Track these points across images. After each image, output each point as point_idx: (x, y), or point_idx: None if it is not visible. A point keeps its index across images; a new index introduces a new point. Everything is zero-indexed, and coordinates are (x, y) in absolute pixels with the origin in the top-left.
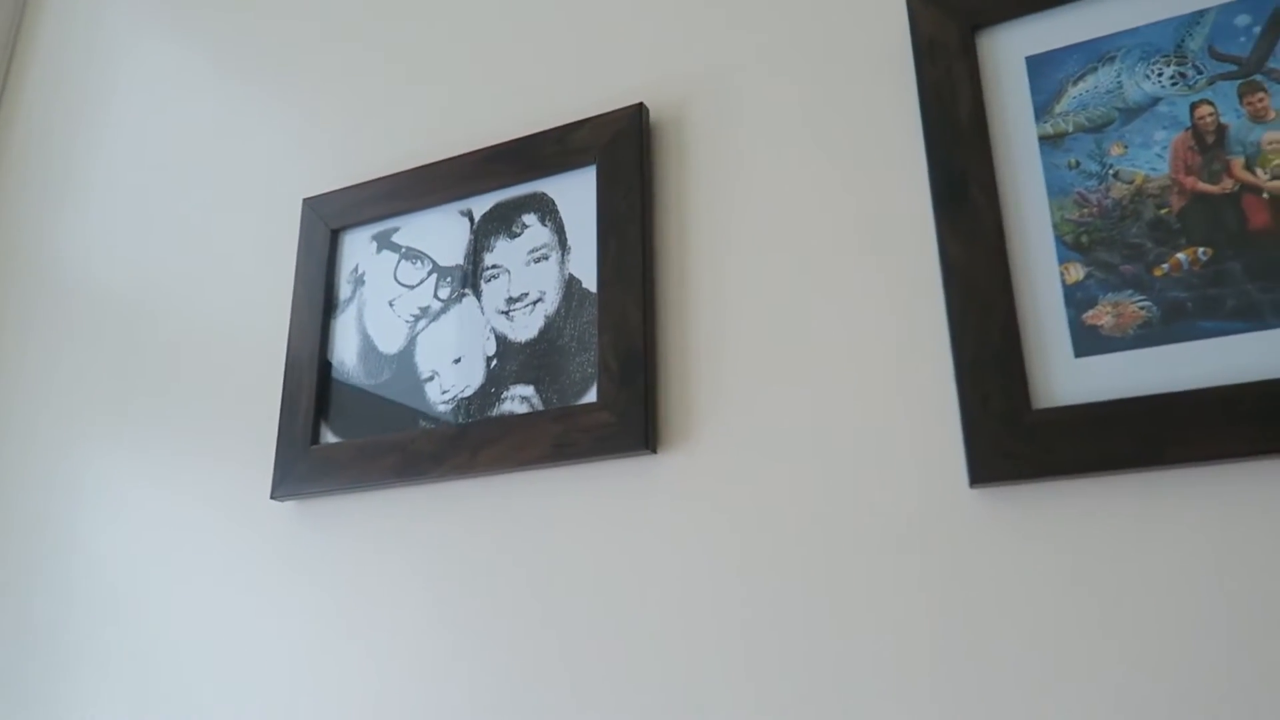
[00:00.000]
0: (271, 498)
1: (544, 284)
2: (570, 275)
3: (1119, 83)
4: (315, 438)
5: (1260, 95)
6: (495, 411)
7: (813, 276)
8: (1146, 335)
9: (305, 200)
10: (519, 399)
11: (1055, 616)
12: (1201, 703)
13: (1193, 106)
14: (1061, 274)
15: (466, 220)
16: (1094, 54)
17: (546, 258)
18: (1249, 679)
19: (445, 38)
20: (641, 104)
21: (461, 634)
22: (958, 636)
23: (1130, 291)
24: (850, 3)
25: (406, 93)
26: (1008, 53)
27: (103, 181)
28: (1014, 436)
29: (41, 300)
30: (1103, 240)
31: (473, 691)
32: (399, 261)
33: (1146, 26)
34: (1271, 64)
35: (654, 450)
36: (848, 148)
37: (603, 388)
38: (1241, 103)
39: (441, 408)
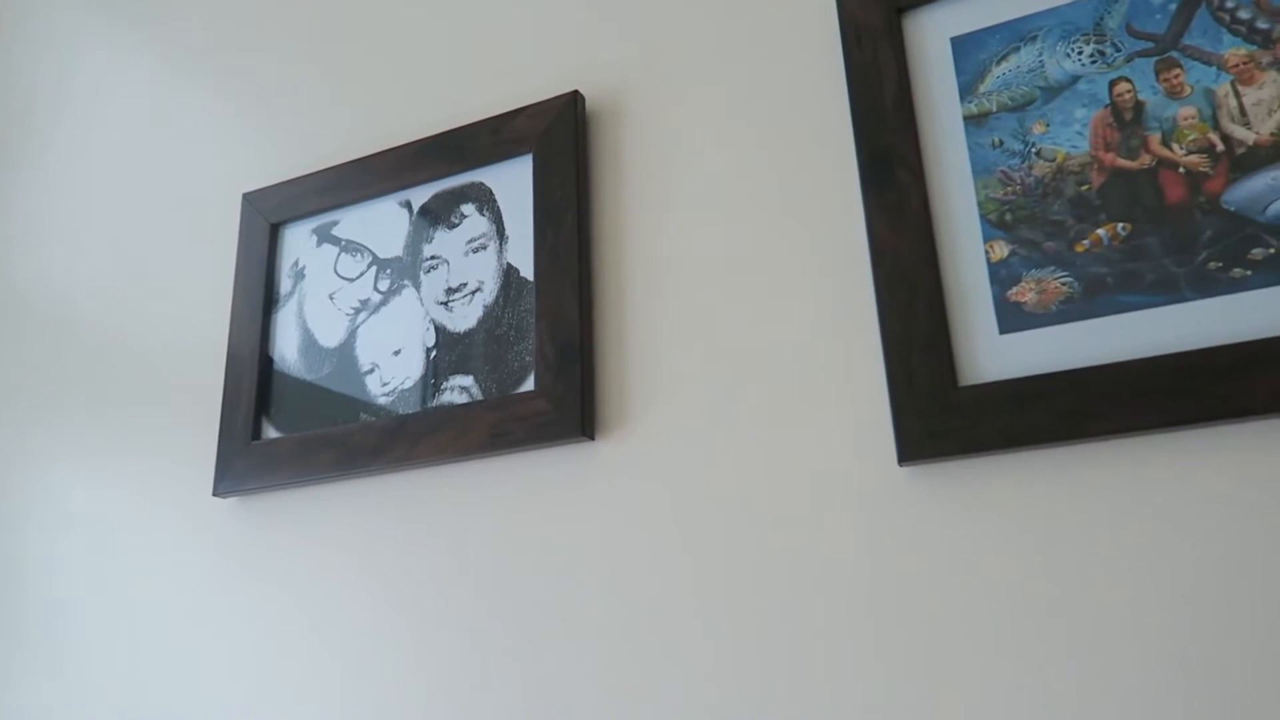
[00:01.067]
0: (213, 494)
1: (482, 274)
2: (508, 264)
3: (1040, 62)
4: (256, 433)
5: (1176, 72)
6: (435, 402)
7: (745, 262)
8: (1069, 311)
9: (244, 195)
10: (458, 389)
11: (984, 589)
12: (1126, 669)
13: (1111, 84)
14: (986, 252)
15: (406, 211)
16: (1016, 34)
17: (485, 247)
18: (1169, 643)
19: (381, 29)
20: (576, 92)
21: (406, 625)
22: (892, 612)
23: (1053, 268)
24: None
25: (345, 85)
26: (933, 34)
27: (40, 181)
28: (940, 414)
29: None
30: (1026, 218)
31: (419, 681)
32: (339, 254)
33: (1066, 6)
34: (1186, 40)
35: (591, 437)
36: (778, 133)
37: (540, 376)
38: (1158, 79)
39: (382, 400)
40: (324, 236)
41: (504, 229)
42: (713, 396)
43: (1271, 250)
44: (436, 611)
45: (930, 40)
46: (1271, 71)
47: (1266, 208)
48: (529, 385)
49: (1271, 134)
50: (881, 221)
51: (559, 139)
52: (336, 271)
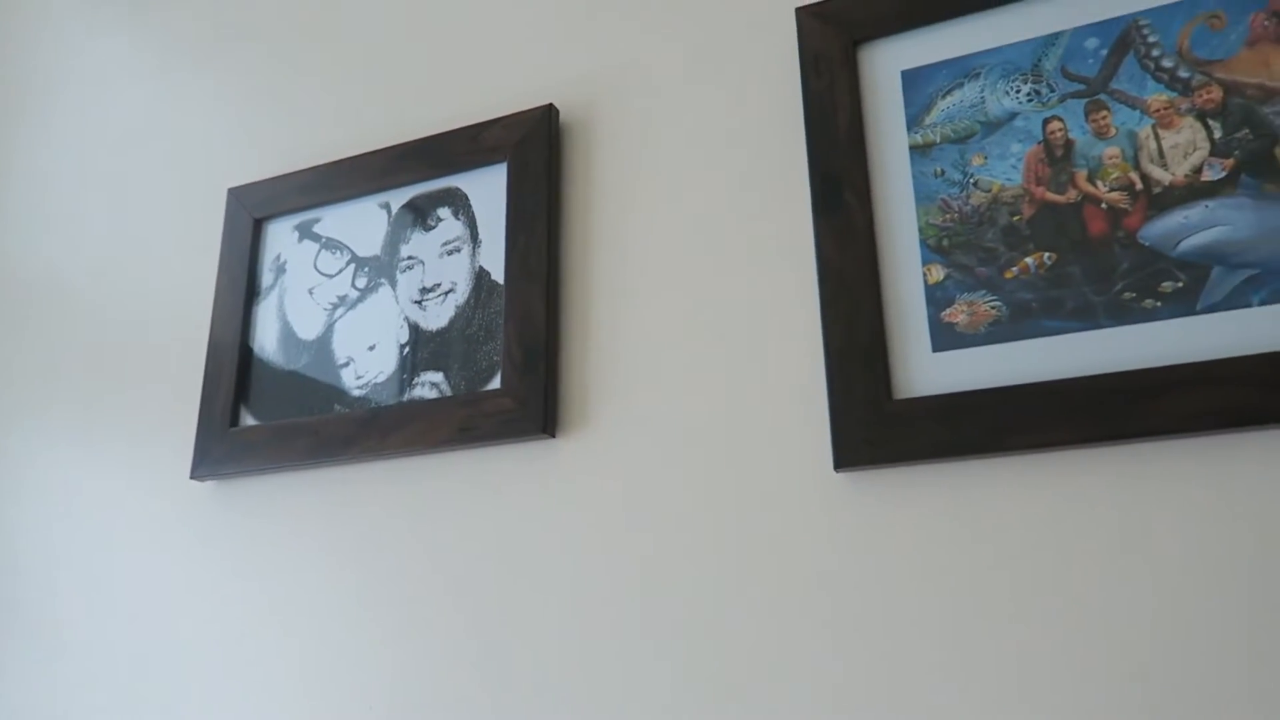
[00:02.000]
0: (191, 478)
1: (455, 275)
2: (480, 267)
3: (982, 98)
4: (234, 420)
5: (1104, 113)
6: (406, 397)
7: (703, 274)
8: (996, 332)
9: (230, 190)
10: (429, 385)
11: (912, 590)
12: (1043, 673)
13: (1045, 122)
14: (924, 274)
15: (385, 212)
16: (962, 70)
17: (459, 250)
18: (1083, 648)
19: (369, 35)
20: (551, 105)
21: (372, 611)
22: (823, 607)
23: (984, 292)
24: (747, 15)
25: (331, 87)
26: (885, 67)
27: (29, 171)
28: (875, 424)
29: None
30: (962, 244)
31: (382, 666)
32: (319, 251)
33: (1008, 46)
34: (1115, 85)
35: (553, 435)
36: (738, 152)
37: (506, 375)
38: (1087, 119)
39: (356, 392)
40: (305, 233)
41: (478, 233)
42: (667, 399)
43: (1180, 284)
44: (400, 599)
45: (882, 72)
46: (1189, 118)
47: (1177, 244)
48: (496, 384)
49: (1185, 176)
50: (829, 241)
51: (533, 149)
52: (316, 267)
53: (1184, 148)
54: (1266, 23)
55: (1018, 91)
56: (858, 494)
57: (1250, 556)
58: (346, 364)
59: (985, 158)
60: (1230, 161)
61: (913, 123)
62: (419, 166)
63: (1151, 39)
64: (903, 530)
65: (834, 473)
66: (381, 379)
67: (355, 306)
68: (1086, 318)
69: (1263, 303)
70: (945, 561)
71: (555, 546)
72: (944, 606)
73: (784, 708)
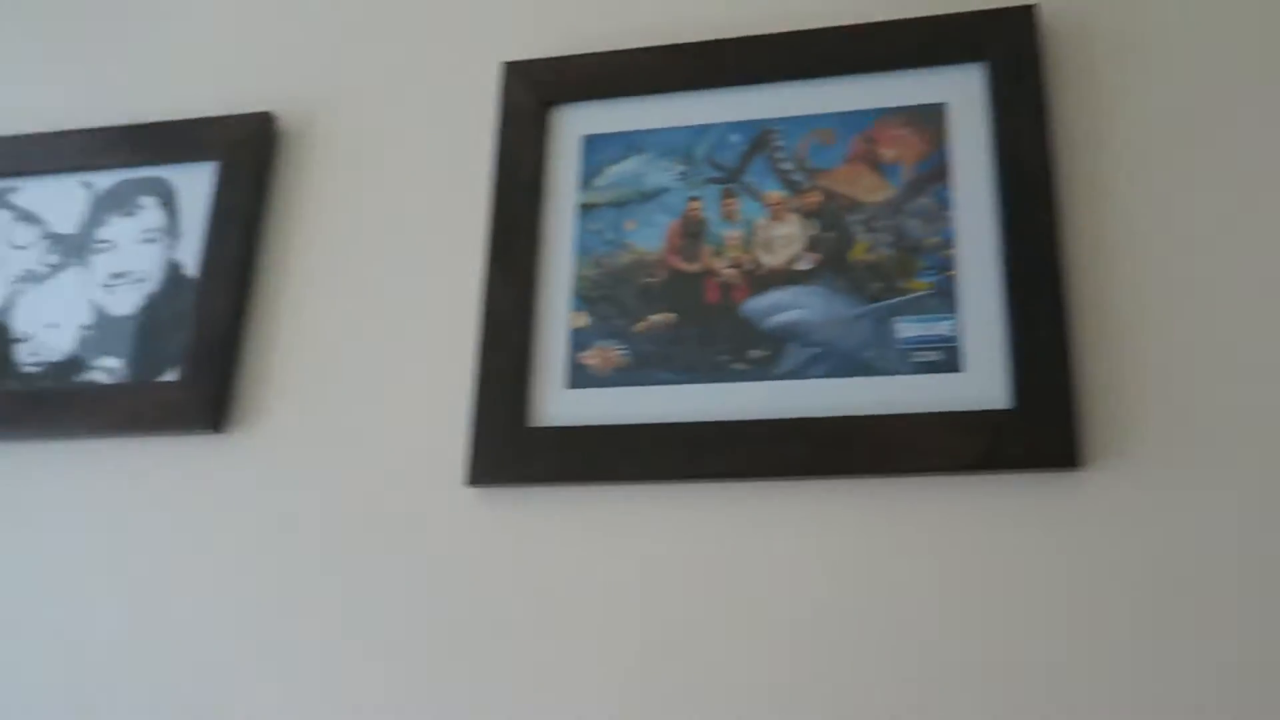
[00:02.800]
0: None
1: (149, 264)
2: (176, 260)
3: (643, 171)
4: None
5: (734, 200)
6: (79, 379)
7: (385, 293)
8: (622, 377)
9: None
10: (104, 370)
11: (534, 599)
12: (634, 683)
13: (688, 200)
14: (570, 320)
15: (87, 192)
16: (632, 144)
17: (155, 240)
18: (687, 661)
19: (100, 9)
20: (269, 113)
21: (24, 590)
22: (447, 614)
23: (615, 341)
24: (461, 57)
25: (49, 55)
26: (570, 129)
27: None
28: (508, 447)
29: None
30: (605, 297)
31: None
32: (13, 222)
33: (671, 129)
34: (746, 177)
35: (218, 430)
36: (436, 184)
37: (184, 369)
38: (720, 204)
39: (28, 369)
40: (1, 202)
41: (179, 227)
42: (330, 408)
43: (765, 353)
44: (58, 581)
45: (568, 134)
46: (795, 215)
47: (768, 319)
48: (172, 376)
49: (784, 263)
50: (496, 279)
51: (246, 153)
52: (7, 238)
53: (786, 239)
54: (863, 144)
55: (672, 170)
56: (486, 509)
57: (784, 586)
58: (23, 340)
59: (636, 224)
60: (818, 257)
61: (585, 183)
62: (128, 152)
63: (779, 143)
64: (524, 543)
65: (466, 488)
66: (56, 358)
67: (42, 283)
68: (693, 372)
69: (822, 375)
70: (559, 571)
71: (211, 538)
72: (545, 608)
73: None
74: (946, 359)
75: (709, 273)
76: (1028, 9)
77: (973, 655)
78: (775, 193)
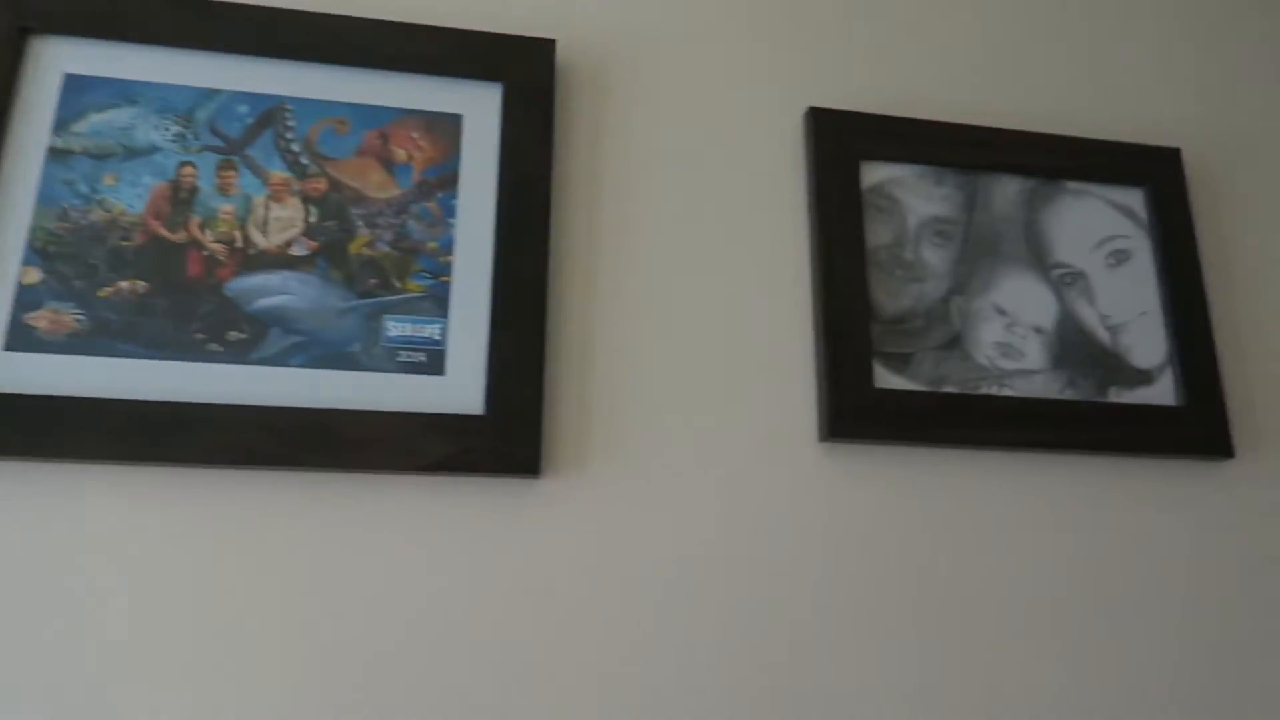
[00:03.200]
0: None
1: None
2: None
3: (133, 124)
4: None
5: (232, 173)
6: None
7: None
8: (75, 344)
9: None
10: None
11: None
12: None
13: (180, 165)
14: (20, 274)
15: None
16: (123, 93)
17: None
18: (102, 643)
19: None
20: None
21: None
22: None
23: (73, 304)
24: None
25: None
26: (52, 63)
27: None
28: None
29: None
30: (68, 255)
31: None
32: None
33: (173, 86)
34: (249, 151)
35: None
36: None
37: None
38: (217, 174)
39: None
40: None
41: None
42: None
43: (244, 335)
44: None
45: (47, 68)
46: (297, 199)
47: (253, 302)
48: None
49: (278, 246)
50: None
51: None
52: None
53: (285, 222)
54: (376, 140)
55: (167, 130)
56: None
57: (231, 577)
58: None
59: (117, 180)
60: (315, 244)
61: (59, 126)
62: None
63: (290, 123)
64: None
65: None
66: None
67: None
68: (161, 348)
69: (299, 365)
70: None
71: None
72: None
73: None
74: (430, 362)
75: (194, 244)
76: (549, 41)
77: (435, 651)
78: (279, 173)
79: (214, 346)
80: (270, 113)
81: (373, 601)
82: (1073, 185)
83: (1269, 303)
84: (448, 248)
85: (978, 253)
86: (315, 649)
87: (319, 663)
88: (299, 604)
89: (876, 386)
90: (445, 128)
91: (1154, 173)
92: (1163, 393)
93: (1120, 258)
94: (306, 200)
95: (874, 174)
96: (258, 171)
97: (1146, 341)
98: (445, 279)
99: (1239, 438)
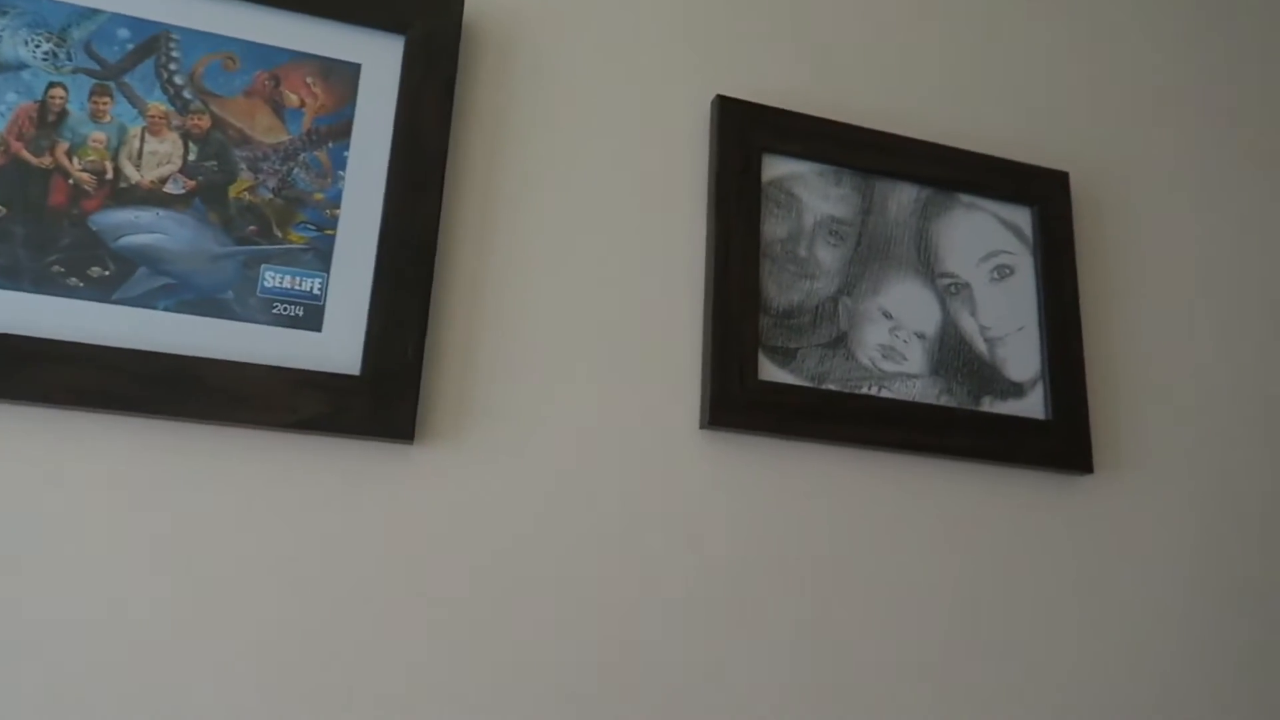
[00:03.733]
0: None
1: None
2: None
3: None
4: None
5: (106, 100)
6: None
7: None
8: None
9: None
10: None
11: None
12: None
13: (50, 85)
14: None
15: None
16: None
17: None
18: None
19: None
20: None
21: None
22: None
23: None
24: None
25: None
26: None
27: None
28: None
29: None
30: None
31: None
32: None
33: (48, 0)
34: (127, 79)
35: None
36: None
37: None
38: (90, 100)
39: None
40: None
41: None
42: None
43: (108, 272)
44: None
45: None
46: (175, 134)
47: (120, 238)
48: None
49: (152, 182)
50: None
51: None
52: None
53: (161, 157)
54: (267, 81)
55: (38, 47)
56: None
57: (76, 524)
58: None
59: None
60: (193, 183)
61: None
62: None
63: (175, 53)
64: None
65: None
66: None
67: None
68: (11, 277)
69: (166, 309)
70: None
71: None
72: None
73: None
74: (307, 316)
75: (59, 171)
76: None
77: (284, 612)
78: (159, 104)
79: (73, 281)
80: (154, 40)
81: (226, 558)
82: (966, 198)
83: (1138, 327)
84: (335, 200)
85: (869, 255)
86: (157, 608)
87: (161, 623)
88: (147, 558)
89: (760, 379)
90: (342, 75)
91: (1043, 193)
92: (1033, 406)
93: (1004, 273)
94: (187, 136)
95: (776, 168)
96: (135, 101)
97: (1022, 356)
98: (330, 232)
99: (1100, 454)
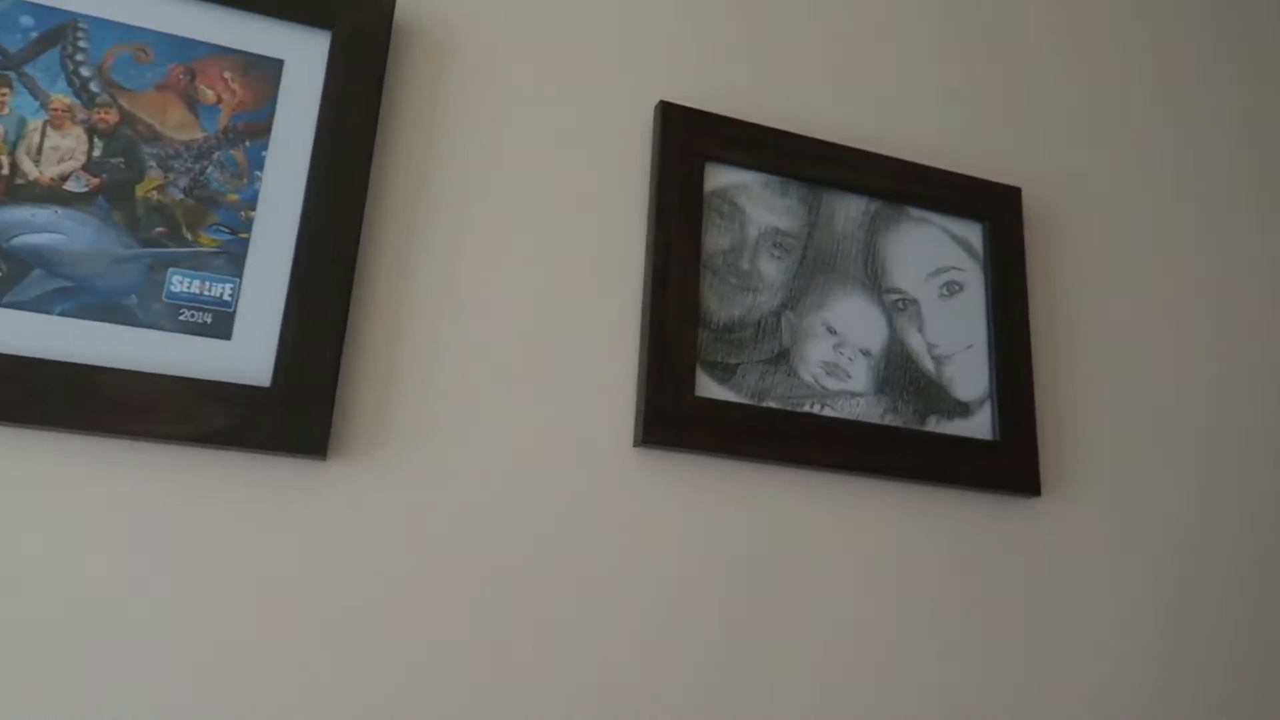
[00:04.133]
0: None
1: None
2: None
3: None
4: None
5: (5, 90)
6: None
7: None
8: None
9: None
10: None
11: None
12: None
13: None
14: None
15: None
16: None
17: None
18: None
19: None
20: None
21: None
22: None
23: None
24: None
25: None
26: None
27: None
28: None
29: None
30: None
31: None
32: None
33: None
34: (28, 69)
35: None
36: None
37: None
38: None
39: None
40: None
41: None
42: None
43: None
44: None
45: None
46: (80, 128)
47: (13, 237)
48: None
49: (52, 178)
50: None
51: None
52: None
53: (63, 152)
54: (182, 76)
55: None
56: None
57: None
58: None
59: None
60: (97, 181)
61: None
62: None
63: (82, 44)
64: None
65: None
66: None
67: None
68: None
69: (63, 314)
70: None
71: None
72: None
73: None
74: (216, 324)
75: None
76: None
77: (179, 635)
78: (62, 97)
79: None
80: (60, 29)
81: (119, 580)
82: (915, 212)
83: (1089, 346)
84: (251, 202)
85: (815, 269)
86: (44, 632)
87: (50, 647)
88: (35, 579)
89: (697, 395)
90: (263, 72)
91: (994, 209)
92: (980, 426)
93: (953, 289)
94: (92, 131)
95: (719, 178)
96: (36, 92)
97: (969, 375)
98: (244, 235)
99: (1049, 476)
